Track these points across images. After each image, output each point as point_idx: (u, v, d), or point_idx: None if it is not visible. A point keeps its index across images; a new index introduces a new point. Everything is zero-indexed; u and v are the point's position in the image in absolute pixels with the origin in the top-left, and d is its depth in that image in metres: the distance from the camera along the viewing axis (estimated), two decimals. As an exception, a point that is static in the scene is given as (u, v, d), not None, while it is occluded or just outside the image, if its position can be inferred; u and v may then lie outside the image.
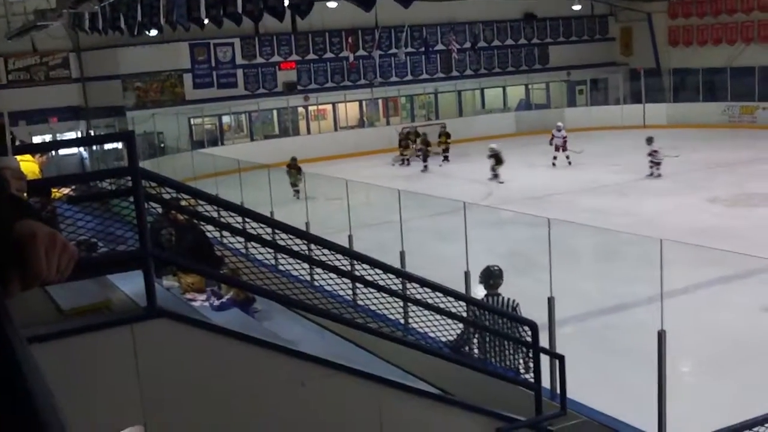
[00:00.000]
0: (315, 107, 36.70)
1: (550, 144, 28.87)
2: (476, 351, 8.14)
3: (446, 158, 31.42)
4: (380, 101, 38.41)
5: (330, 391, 5.25)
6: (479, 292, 9.17)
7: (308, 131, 36.72)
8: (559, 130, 28.61)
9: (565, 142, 28.41)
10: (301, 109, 36.63)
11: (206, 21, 17.72)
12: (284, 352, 5.11)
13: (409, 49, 37.55)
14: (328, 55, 36.53)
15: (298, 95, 35.72)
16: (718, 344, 11.66)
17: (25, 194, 1.95)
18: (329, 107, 37.04)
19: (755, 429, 5.39)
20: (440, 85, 38.87)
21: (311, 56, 36.23)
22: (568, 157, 28.25)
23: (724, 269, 14.04)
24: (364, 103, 37.85)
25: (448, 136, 32.05)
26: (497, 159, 25.92)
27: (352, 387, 5.35)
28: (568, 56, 40.61)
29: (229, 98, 34.22)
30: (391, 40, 37.29)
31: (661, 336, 7.58)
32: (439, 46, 38.51)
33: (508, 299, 8.48)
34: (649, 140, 25.69)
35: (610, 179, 25.18)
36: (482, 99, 40.86)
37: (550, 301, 8.83)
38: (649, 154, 25.24)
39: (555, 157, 28.38)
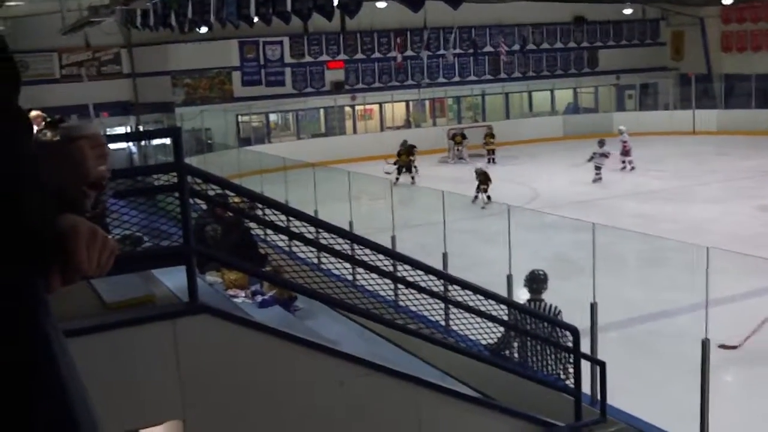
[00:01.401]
0: (362, 107, 36.78)
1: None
2: (516, 355, 8.11)
3: (492, 160, 31.26)
4: (427, 102, 38.37)
5: (369, 390, 5.26)
6: (523, 295, 9.14)
7: (354, 131, 36.81)
8: (621, 134, 28.18)
9: (623, 147, 27.84)
10: (347, 109, 36.71)
11: (256, 19, 17.84)
12: (324, 351, 5.13)
13: (457, 51, 37.40)
14: (376, 55, 36.56)
15: (345, 95, 35.81)
16: (763, 355, 11.49)
17: (105, 168, 1.74)
18: (376, 107, 37.08)
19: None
20: (488, 86, 38.69)
21: (359, 56, 36.28)
22: (624, 162, 27.84)
23: (772, 279, 13.83)
24: (410, 103, 37.84)
25: (492, 137, 31.92)
26: (484, 178, 23.67)
27: (391, 387, 5.35)
28: (617, 60, 40.20)
29: (277, 96, 34.40)
30: (439, 41, 37.20)
31: (705, 344, 7.50)
32: (488, 48, 38.32)
33: (551, 305, 8.44)
34: (601, 143, 25.90)
35: (656, 185, 24.92)
36: (530, 101, 40.63)
37: (593, 306, 8.78)
38: (594, 157, 25.68)
39: (623, 161, 27.83)
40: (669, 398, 9.45)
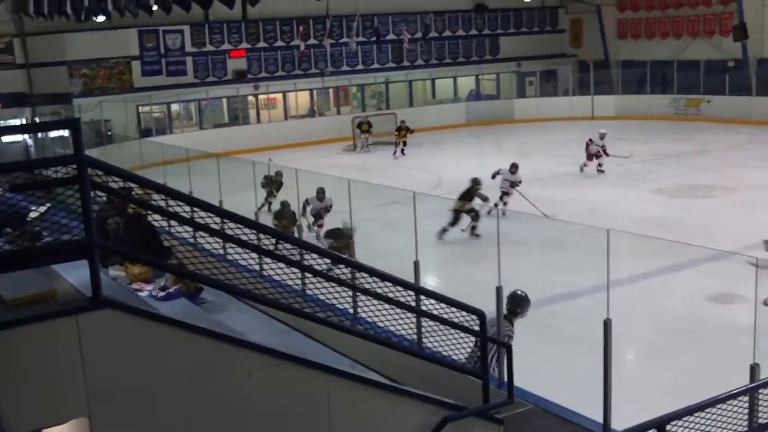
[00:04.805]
0: (265, 96, 36.49)
1: (586, 150, 25.38)
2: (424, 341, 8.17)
3: (402, 151, 31.06)
4: (331, 90, 38.31)
5: (278, 381, 5.24)
6: (430, 282, 9.19)
7: (258, 120, 36.49)
8: (602, 138, 25.15)
9: (604, 150, 25.10)
10: (251, 98, 36.37)
11: (155, 7, 17.54)
12: (231, 342, 5.09)
13: (360, 39, 37.43)
14: (279, 43, 36.30)
15: (248, 84, 35.48)
16: (662, 332, 11.86)
17: None
18: (279, 96, 36.84)
19: (696, 414, 5.49)
20: (391, 74, 38.85)
21: (262, 44, 35.96)
22: (600, 165, 25.15)
23: (668, 259, 14.25)
24: (314, 92, 37.72)
25: (407, 130, 31.38)
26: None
27: (300, 377, 5.34)
28: (518, 47, 40.85)
29: (178, 86, 33.86)
30: (342, 30, 37.15)
31: (607, 324, 7.67)
32: (391, 36, 38.47)
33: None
34: (514, 168, 20.90)
35: (557, 170, 25.39)
36: (433, 89, 40.93)
37: (499, 290, 8.89)
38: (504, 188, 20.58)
39: (585, 164, 25.30)
40: (573, 377, 9.67)
